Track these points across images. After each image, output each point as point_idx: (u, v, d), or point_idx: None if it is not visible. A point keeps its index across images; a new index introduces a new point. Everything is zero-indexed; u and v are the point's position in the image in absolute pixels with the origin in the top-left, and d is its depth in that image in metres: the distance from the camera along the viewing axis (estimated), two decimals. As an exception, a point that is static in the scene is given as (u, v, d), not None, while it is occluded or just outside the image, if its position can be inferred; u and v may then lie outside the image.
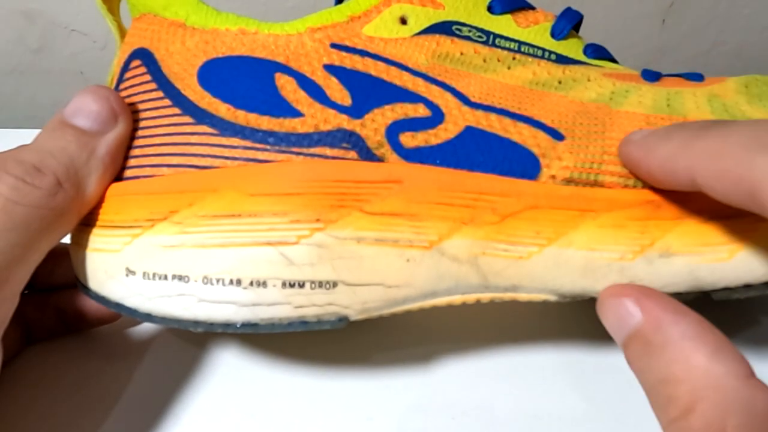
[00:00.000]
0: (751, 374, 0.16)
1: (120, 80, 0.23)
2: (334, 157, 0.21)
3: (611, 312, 0.19)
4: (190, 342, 0.26)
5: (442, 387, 0.24)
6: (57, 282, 0.25)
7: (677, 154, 0.18)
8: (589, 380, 0.24)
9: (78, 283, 0.23)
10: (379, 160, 0.21)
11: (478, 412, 0.23)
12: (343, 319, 0.21)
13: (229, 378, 0.24)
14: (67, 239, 0.23)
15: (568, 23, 0.23)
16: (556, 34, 0.23)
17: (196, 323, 0.21)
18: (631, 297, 0.19)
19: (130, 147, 0.22)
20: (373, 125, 0.21)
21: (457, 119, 0.21)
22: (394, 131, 0.21)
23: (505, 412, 0.23)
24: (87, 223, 0.22)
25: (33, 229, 0.19)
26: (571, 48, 0.23)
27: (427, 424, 0.23)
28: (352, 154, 0.21)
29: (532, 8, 0.24)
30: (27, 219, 0.19)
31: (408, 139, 0.21)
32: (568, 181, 0.20)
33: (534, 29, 0.23)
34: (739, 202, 0.16)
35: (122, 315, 0.25)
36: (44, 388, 0.24)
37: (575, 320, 0.26)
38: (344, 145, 0.21)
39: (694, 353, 0.17)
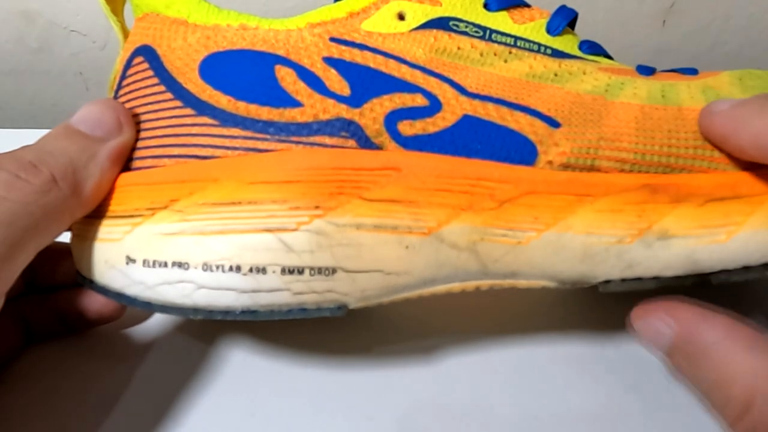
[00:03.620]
0: None
1: (123, 77, 0.23)
2: (333, 146, 0.21)
3: (645, 332, 0.20)
4: (190, 342, 0.26)
5: (443, 386, 0.24)
6: (58, 281, 0.25)
7: None
8: (590, 378, 0.24)
9: (78, 276, 0.23)
10: (378, 148, 0.21)
11: (478, 412, 0.23)
12: (342, 307, 0.21)
13: (229, 378, 0.24)
14: (66, 235, 0.23)
15: (564, 20, 0.24)
16: (552, 30, 0.24)
17: (196, 310, 0.21)
18: (660, 312, 0.19)
19: (132, 140, 0.22)
20: (372, 114, 0.21)
21: (454, 108, 0.21)
22: (392, 120, 0.21)
23: (506, 412, 0.23)
24: (88, 214, 0.22)
25: (20, 226, 0.19)
26: (567, 44, 0.24)
27: (427, 424, 0.23)
28: (351, 142, 0.21)
29: (527, 6, 0.24)
30: (14, 215, 0.19)
31: (406, 128, 0.21)
32: (565, 167, 0.21)
33: (529, 26, 0.23)
34: None
35: (123, 315, 0.25)
36: (44, 389, 0.24)
37: (576, 316, 0.26)
38: (343, 133, 0.21)
39: (735, 353, 0.17)
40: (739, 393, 0.17)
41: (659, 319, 0.19)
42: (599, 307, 0.26)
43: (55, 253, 0.25)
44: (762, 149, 0.18)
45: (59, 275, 0.25)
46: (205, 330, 0.26)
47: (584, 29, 0.25)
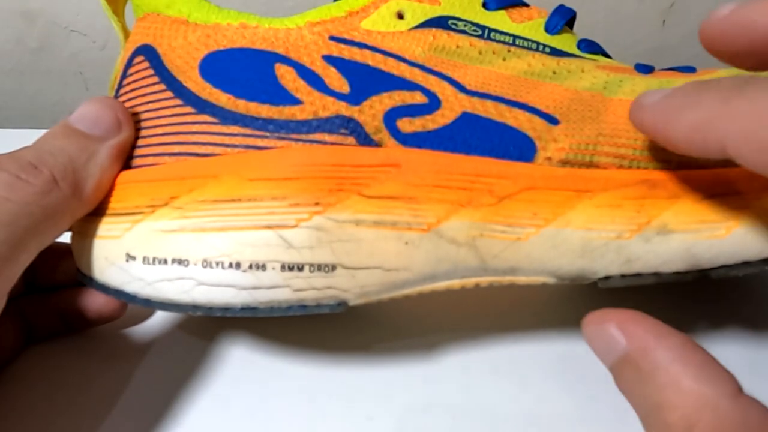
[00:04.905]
0: (740, 391, 0.16)
1: (123, 76, 0.23)
2: (332, 143, 0.21)
3: (596, 339, 0.19)
4: (190, 342, 0.26)
5: (443, 386, 0.24)
6: (58, 281, 0.25)
7: (708, 122, 0.16)
8: (591, 377, 0.24)
9: (78, 274, 0.23)
10: (377, 145, 0.21)
11: (478, 412, 0.23)
12: (342, 303, 0.21)
13: (229, 378, 0.24)
14: (67, 235, 0.23)
15: (562, 19, 0.24)
16: (550, 29, 0.24)
17: (195, 307, 0.21)
18: (614, 322, 0.18)
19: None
20: (371, 111, 0.21)
21: (453, 105, 0.21)
22: (391, 117, 0.21)
23: (506, 412, 0.23)
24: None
25: (21, 227, 0.19)
26: (565, 42, 0.24)
27: (427, 424, 0.23)
28: (351, 139, 0.21)
29: (526, 5, 0.24)
30: (15, 216, 0.19)
31: (405, 125, 0.21)
32: (564, 163, 0.21)
33: (528, 24, 0.24)
34: None
35: (123, 314, 0.25)
36: (44, 388, 0.24)
37: (577, 314, 0.26)
38: (342, 131, 0.21)
39: (683, 377, 0.16)
40: (678, 420, 0.16)
41: (613, 330, 0.18)
42: (600, 306, 0.26)
43: (56, 253, 0.25)
44: (695, 144, 0.17)
45: (59, 275, 0.25)
46: (205, 330, 0.26)
47: (584, 29, 0.25)
